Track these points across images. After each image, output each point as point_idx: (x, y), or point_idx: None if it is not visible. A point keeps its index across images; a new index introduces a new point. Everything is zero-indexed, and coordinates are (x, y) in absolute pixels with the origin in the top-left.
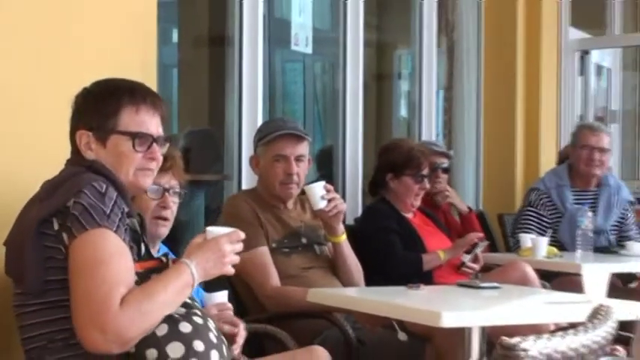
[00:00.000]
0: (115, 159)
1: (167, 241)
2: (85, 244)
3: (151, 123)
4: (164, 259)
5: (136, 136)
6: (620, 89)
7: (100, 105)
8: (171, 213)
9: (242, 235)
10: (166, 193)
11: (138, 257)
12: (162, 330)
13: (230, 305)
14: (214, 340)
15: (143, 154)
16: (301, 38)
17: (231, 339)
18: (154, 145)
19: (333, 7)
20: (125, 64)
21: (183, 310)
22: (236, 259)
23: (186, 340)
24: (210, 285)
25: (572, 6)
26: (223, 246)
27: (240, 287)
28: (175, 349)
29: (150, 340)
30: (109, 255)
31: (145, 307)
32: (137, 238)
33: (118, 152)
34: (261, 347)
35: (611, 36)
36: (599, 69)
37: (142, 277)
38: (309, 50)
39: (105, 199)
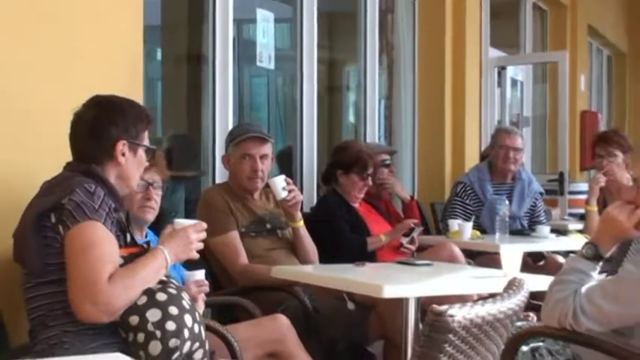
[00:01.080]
0: (138, 166)
1: (154, 226)
2: (78, 233)
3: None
4: (145, 246)
5: (152, 152)
6: (531, 99)
7: (137, 121)
8: (155, 203)
9: (204, 225)
10: (150, 187)
11: (124, 244)
12: (142, 300)
13: (207, 282)
14: (187, 306)
15: None
16: (265, 56)
17: None
18: None
19: (291, 30)
20: (118, 79)
21: (159, 285)
22: (200, 245)
23: (163, 306)
24: (190, 264)
25: (491, 29)
26: (190, 235)
27: (215, 266)
28: (154, 314)
29: (132, 308)
30: (98, 241)
31: (128, 282)
32: (123, 229)
33: (141, 161)
34: (232, 315)
35: (524, 54)
36: (514, 82)
37: (127, 260)
38: (271, 66)
39: (94, 197)
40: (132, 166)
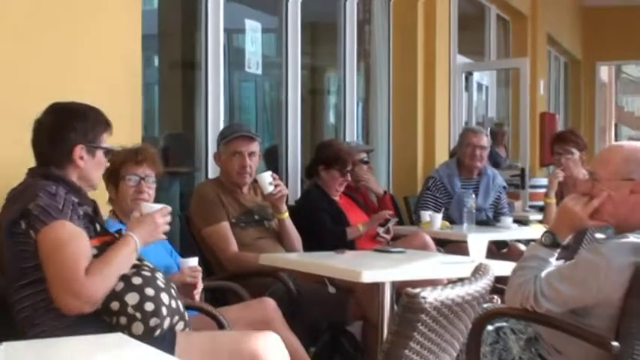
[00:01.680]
0: (97, 167)
1: None
2: (48, 235)
3: None
4: (117, 235)
5: (111, 153)
6: (495, 101)
7: (96, 125)
8: (147, 196)
9: (169, 208)
10: (142, 181)
11: (95, 234)
12: (120, 286)
13: (200, 268)
14: (162, 285)
15: None
16: (253, 63)
17: (193, 287)
18: None
19: (277, 39)
20: (118, 84)
21: (133, 269)
22: (167, 228)
23: (139, 289)
24: (185, 252)
25: (459, 38)
26: (157, 220)
27: (207, 253)
28: (132, 297)
29: (111, 295)
30: (68, 238)
31: (105, 272)
32: (91, 220)
33: (100, 162)
34: (224, 299)
35: (488, 61)
36: (480, 86)
37: (100, 249)
38: (259, 72)
39: (57, 198)
40: (91, 168)
